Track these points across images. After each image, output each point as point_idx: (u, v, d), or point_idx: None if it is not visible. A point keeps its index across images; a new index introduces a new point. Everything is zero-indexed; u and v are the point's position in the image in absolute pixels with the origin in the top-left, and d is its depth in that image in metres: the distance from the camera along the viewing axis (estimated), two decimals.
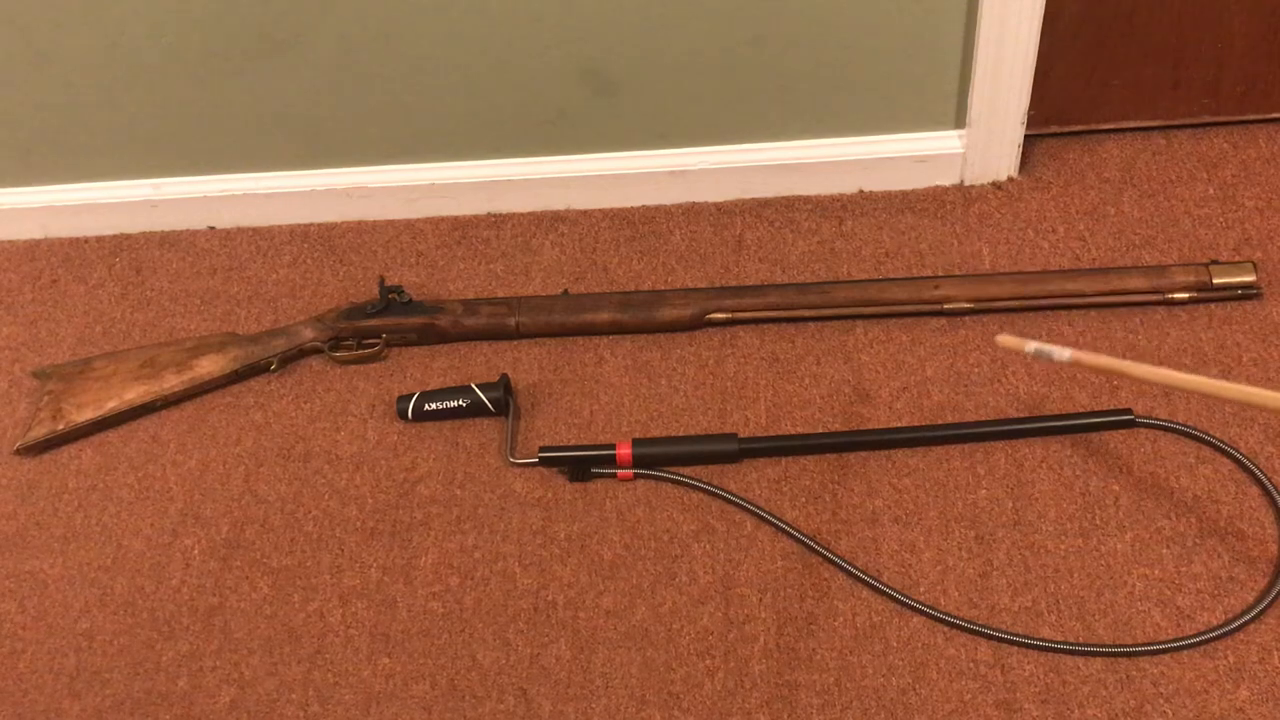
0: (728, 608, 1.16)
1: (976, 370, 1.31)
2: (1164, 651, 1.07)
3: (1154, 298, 1.32)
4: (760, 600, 1.16)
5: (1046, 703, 1.06)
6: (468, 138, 1.53)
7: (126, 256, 1.62)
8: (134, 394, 1.39)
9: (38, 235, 1.66)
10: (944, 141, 1.49)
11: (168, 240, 1.63)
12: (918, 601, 1.13)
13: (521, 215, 1.58)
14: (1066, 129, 1.54)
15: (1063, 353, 1.06)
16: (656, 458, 1.26)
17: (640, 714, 1.10)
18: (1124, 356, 1.29)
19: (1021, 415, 1.26)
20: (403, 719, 1.12)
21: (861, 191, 1.53)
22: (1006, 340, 1.11)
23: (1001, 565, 1.15)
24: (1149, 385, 1.25)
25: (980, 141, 1.47)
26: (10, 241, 1.66)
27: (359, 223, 1.61)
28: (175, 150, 1.57)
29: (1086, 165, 1.51)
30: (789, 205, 1.53)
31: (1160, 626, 1.09)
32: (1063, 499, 1.19)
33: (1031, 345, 1.08)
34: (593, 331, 1.41)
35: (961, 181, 1.51)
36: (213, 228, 1.63)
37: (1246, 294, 1.32)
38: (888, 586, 1.14)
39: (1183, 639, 1.07)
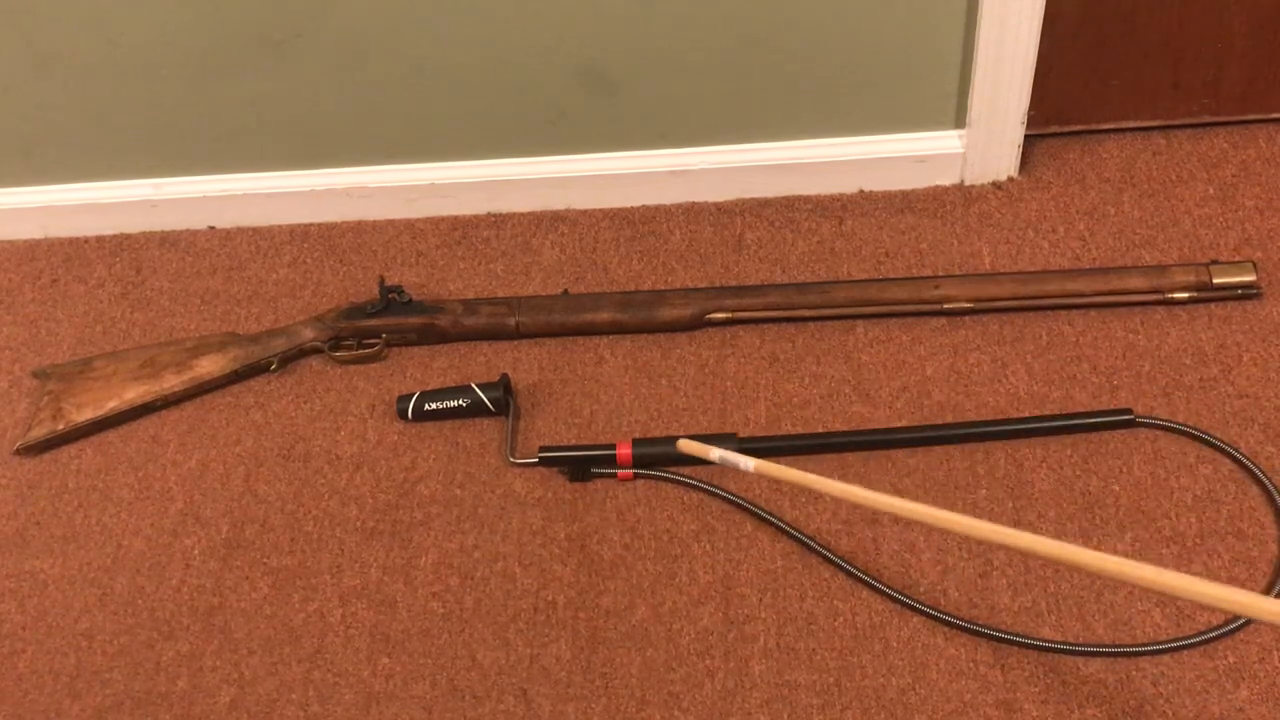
0: (728, 608, 1.16)
1: (976, 370, 1.31)
2: (1164, 651, 1.07)
3: (1154, 297, 1.32)
4: (760, 600, 1.16)
5: (1046, 703, 1.06)
6: (468, 138, 1.53)
7: (126, 256, 1.62)
8: (134, 394, 1.39)
9: (38, 235, 1.66)
10: (944, 141, 1.49)
11: (168, 240, 1.63)
12: (918, 601, 1.13)
13: (521, 215, 1.58)
14: (1066, 129, 1.54)
15: (747, 462, 1.04)
16: (656, 458, 1.26)
17: (640, 714, 1.10)
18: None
19: (1021, 415, 1.26)
20: (403, 719, 1.12)
21: (861, 191, 1.53)
22: (688, 446, 1.12)
23: (1001, 565, 1.15)
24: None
25: (980, 141, 1.46)
26: (10, 241, 1.66)
27: (359, 223, 1.61)
28: (175, 150, 1.57)
29: (1086, 165, 1.51)
30: (789, 205, 1.53)
31: (1160, 626, 1.09)
32: (1063, 499, 1.19)
33: (715, 454, 1.07)
34: (593, 331, 1.41)
35: (961, 181, 1.51)
36: (213, 228, 1.63)
37: (1246, 294, 1.32)
38: (888, 586, 1.14)
39: (1183, 639, 1.07)
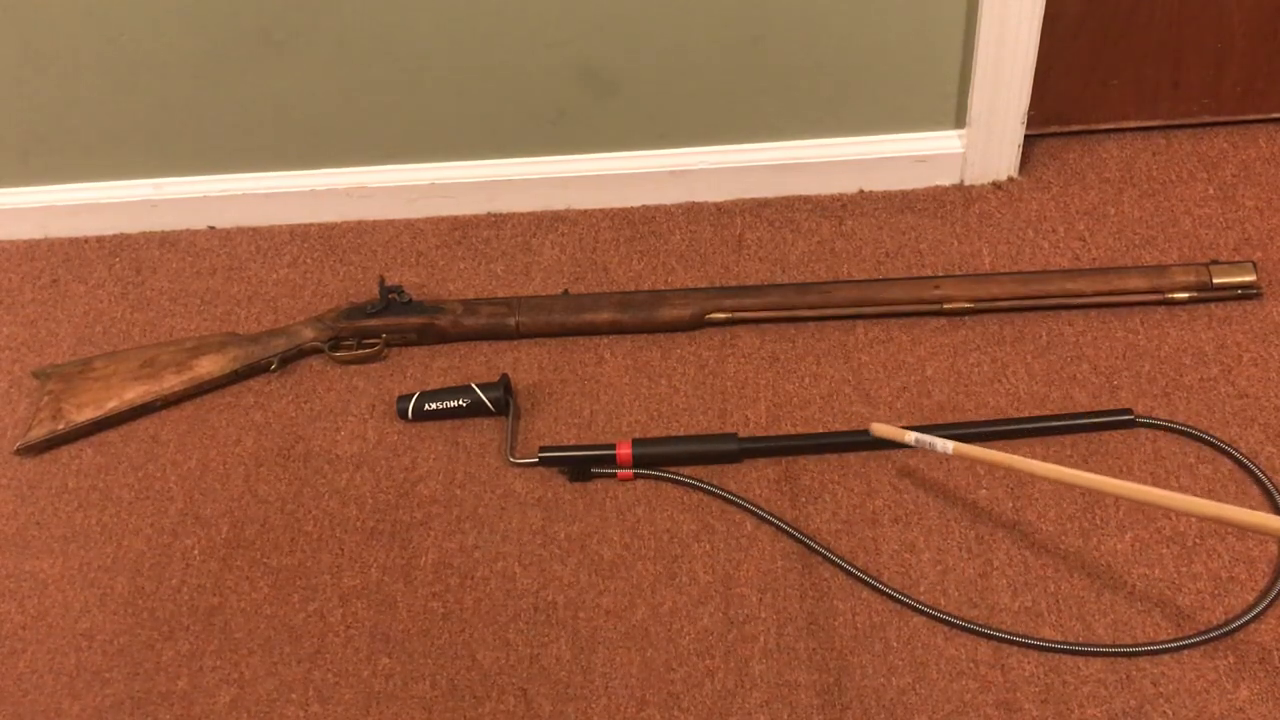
0: (728, 608, 1.16)
1: (976, 370, 1.31)
2: (1164, 651, 1.07)
3: (1154, 297, 1.32)
4: (760, 600, 1.16)
5: (1046, 703, 1.06)
6: (468, 138, 1.53)
7: (126, 256, 1.62)
8: (134, 394, 1.39)
9: (38, 235, 1.66)
10: (944, 141, 1.49)
11: (168, 240, 1.63)
12: (918, 601, 1.13)
13: (521, 215, 1.58)
14: (1066, 129, 1.54)
15: (945, 445, 1.08)
16: (656, 458, 1.26)
17: (640, 714, 1.10)
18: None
19: (1021, 415, 1.26)
20: (403, 719, 1.12)
21: (861, 191, 1.53)
22: (882, 430, 1.15)
23: (1001, 565, 1.15)
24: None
25: (980, 141, 1.47)
26: (10, 241, 1.66)
27: (359, 223, 1.61)
28: (175, 150, 1.57)
29: (1086, 165, 1.51)
30: (789, 205, 1.53)
31: (1160, 626, 1.09)
32: (1063, 499, 1.19)
33: (911, 436, 1.10)
34: (593, 331, 1.41)
35: (961, 181, 1.51)
36: (213, 228, 1.63)
37: (1246, 294, 1.32)
38: (888, 586, 1.14)
39: (1183, 639, 1.07)
